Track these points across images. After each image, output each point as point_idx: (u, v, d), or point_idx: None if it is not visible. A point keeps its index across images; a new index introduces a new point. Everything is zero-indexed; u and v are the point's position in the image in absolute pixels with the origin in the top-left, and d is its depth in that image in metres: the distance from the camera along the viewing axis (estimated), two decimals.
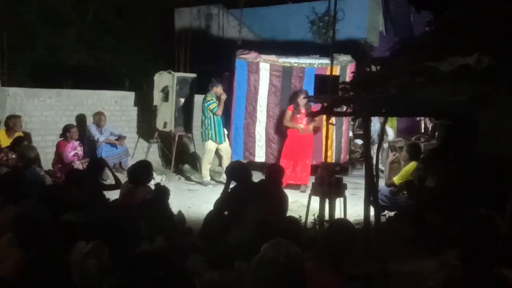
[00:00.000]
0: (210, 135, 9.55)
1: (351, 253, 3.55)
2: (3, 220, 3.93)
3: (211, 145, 9.63)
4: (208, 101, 9.56)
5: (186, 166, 10.72)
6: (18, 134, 8.42)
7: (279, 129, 9.91)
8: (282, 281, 2.60)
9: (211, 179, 9.83)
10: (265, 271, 2.63)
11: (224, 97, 9.59)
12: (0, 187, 4.77)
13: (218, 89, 9.60)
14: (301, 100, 9.23)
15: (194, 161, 10.67)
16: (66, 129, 8.89)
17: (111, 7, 14.14)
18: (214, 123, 9.51)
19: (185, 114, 10.35)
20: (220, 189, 6.68)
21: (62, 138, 8.89)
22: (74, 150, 8.77)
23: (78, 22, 13.31)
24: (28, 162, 6.60)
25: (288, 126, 9.53)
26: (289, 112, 9.51)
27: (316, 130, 9.58)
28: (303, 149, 9.40)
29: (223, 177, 9.39)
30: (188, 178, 10.23)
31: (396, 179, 7.14)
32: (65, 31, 13.04)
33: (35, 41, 12.49)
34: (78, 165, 8.43)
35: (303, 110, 9.29)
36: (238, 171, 6.04)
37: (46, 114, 9.55)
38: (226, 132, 9.87)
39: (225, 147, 9.80)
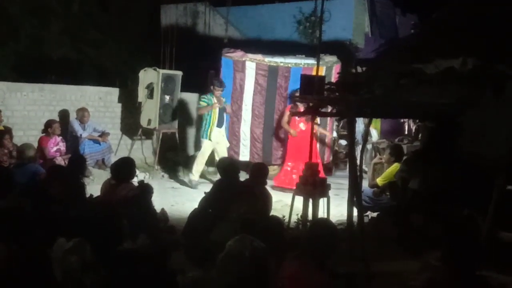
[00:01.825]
0: (204, 132, 9.32)
1: (334, 252, 3.56)
2: None
3: (206, 144, 9.33)
4: (202, 98, 9.38)
5: (170, 164, 10.67)
6: None
7: (268, 129, 9.96)
8: (248, 274, 2.68)
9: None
10: (232, 266, 2.72)
11: (219, 105, 9.28)
12: None
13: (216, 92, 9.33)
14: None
15: (177, 159, 10.62)
16: (48, 124, 8.81)
17: (96, 1, 14.02)
18: (211, 120, 9.25)
19: (169, 112, 10.29)
20: (205, 187, 6.68)
21: (44, 134, 8.81)
22: (56, 146, 8.69)
23: (63, 15, 13.14)
24: (28, 160, 6.91)
25: (285, 128, 9.56)
26: (287, 113, 9.55)
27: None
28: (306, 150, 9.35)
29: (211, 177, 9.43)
30: (172, 176, 10.18)
31: (379, 180, 7.18)
32: (49, 24, 12.86)
33: (18, 34, 12.31)
34: (60, 161, 8.34)
35: (302, 109, 9.24)
36: (227, 166, 6.07)
37: (28, 109, 9.43)
38: (222, 131, 9.54)
39: (222, 151, 9.42)
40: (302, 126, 9.42)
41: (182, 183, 9.71)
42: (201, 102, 9.36)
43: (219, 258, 2.78)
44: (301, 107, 9.18)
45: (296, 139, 9.43)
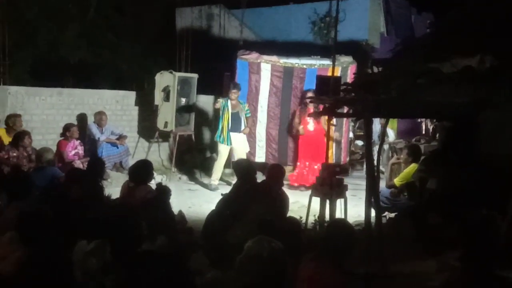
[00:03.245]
0: (217, 135, 9.38)
1: (351, 252, 3.56)
2: (8, 218, 3.94)
3: (221, 148, 9.35)
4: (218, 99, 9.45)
5: (186, 166, 10.71)
6: None
7: (283, 130, 9.97)
8: (267, 275, 2.70)
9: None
10: (251, 267, 2.73)
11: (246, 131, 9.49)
12: (5, 186, 4.78)
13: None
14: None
15: (194, 161, 10.67)
16: (66, 128, 8.90)
17: (112, 4, 14.12)
18: (222, 123, 9.30)
19: (186, 114, 10.35)
20: (222, 189, 6.69)
21: (62, 137, 8.91)
22: (74, 149, 8.78)
23: (79, 19, 13.27)
24: (47, 164, 7.20)
25: (296, 127, 9.62)
26: (297, 114, 9.63)
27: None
28: (317, 150, 9.37)
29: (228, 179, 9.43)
30: (189, 178, 10.22)
31: (397, 181, 7.14)
32: (66, 28, 12.99)
33: (36, 38, 12.45)
34: (79, 164, 8.42)
35: (311, 108, 9.24)
36: (244, 168, 6.09)
37: (47, 113, 9.53)
38: (241, 136, 9.52)
39: (241, 154, 9.35)
40: (310, 126, 9.44)
41: (199, 185, 9.74)
42: (219, 100, 9.46)
43: (238, 259, 2.80)
44: (311, 108, 9.20)
45: (306, 139, 9.51)
